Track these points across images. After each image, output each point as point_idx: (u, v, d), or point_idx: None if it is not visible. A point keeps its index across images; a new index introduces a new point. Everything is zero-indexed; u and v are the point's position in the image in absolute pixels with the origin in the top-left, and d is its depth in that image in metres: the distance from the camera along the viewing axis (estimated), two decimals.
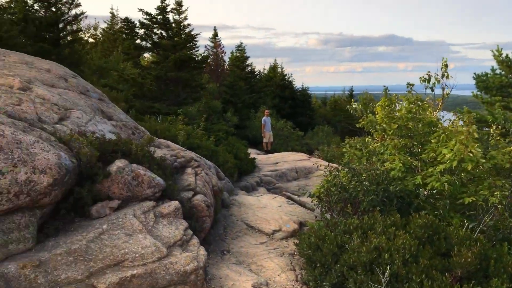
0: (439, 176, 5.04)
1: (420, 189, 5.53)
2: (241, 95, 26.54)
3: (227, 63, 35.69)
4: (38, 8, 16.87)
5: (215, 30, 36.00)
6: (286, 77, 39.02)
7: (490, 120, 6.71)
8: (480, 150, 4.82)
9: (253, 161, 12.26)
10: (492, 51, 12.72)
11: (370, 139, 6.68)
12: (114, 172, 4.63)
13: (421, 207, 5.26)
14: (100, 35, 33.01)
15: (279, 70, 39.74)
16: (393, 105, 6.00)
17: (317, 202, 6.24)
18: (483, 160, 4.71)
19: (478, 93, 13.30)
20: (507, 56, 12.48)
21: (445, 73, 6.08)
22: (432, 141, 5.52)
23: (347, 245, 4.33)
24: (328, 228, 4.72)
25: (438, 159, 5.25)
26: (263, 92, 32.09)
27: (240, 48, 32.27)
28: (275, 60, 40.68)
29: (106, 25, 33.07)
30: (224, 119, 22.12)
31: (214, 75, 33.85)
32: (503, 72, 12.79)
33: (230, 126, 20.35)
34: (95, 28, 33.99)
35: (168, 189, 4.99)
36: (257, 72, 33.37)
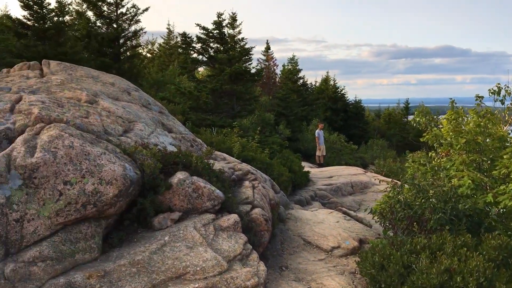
0: None
1: (491, 208, 5.14)
2: (293, 108, 26.42)
3: (279, 76, 35.83)
4: (100, 24, 17.81)
5: (267, 43, 36.40)
6: (339, 89, 38.55)
7: None
8: None
9: (307, 174, 12.07)
10: None
11: (434, 154, 6.33)
12: (175, 184, 4.66)
13: (492, 227, 4.89)
14: (157, 50, 34.24)
15: (331, 82, 39.36)
16: (460, 118, 5.66)
17: (378, 219, 5.97)
18: None
19: None
20: None
21: None
22: (505, 156, 5.13)
23: (414, 266, 4.07)
24: (393, 247, 4.48)
25: (511, 176, 4.87)
26: (315, 105, 31.84)
27: (293, 61, 32.31)
28: (327, 72, 40.36)
29: (163, 40, 34.28)
30: (276, 132, 22.08)
31: (266, 88, 34.05)
32: None
33: (283, 139, 20.27)
34: (153, 44, 35.35)
35: (227, 202, 4.96)
36: (309, 85, 33.19)
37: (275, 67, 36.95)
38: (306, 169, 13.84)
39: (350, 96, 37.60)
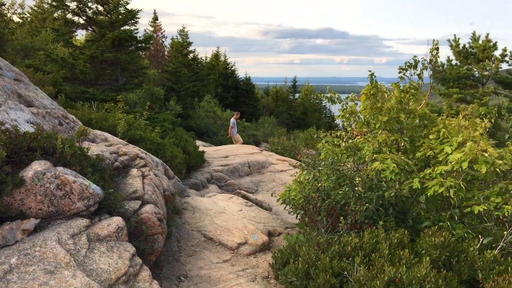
0: (442, 180, 4.19)
1: (421, 195, 4.63)
2: (184, 83, 24.96)
3: (168, 49, 33.73)
4: None
5: (155, 13, 33.91)
6: (229, 65, 37.85)
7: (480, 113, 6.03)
8: (496, 149, 4.04)
9: (202, 155, 11.06)
10: (449, 41, 12.40)
11: (344, 133, 5.74)
12: (29, 179, 3.30)
13: (420, 217, 4.42)
14: (28, 14, 29.75)
15: (222, 58, 38.44)
16: (380, 94, 5.10)
17: (291, 210, 5.24)
18: (500, 162, 3.92)
19: (435, 84, 12.99)
20: (464, 46, 12.20)
21: (435, 57, 5.26)
22: (430, 137, 4.69)
23: (347, 274, 3.34)
24: (319, 248, 3.71)
25: (440, 159, 4.42)
26: (206, 80, 30.66)
27: (183, 33, 30.53)
28: (217, 47, 39.30)
29: (34, 2, 29.85)
30: (167, 108, 20.59)
31: (154, 61, 31.81)
32: (459, 63, 12.53)
33: (174, 116, 18.91)
34: (21, 6, 30.58)
35: (108, 200, 3.73)
36: (200, 59, 31.78)
37: (163, 39, 34.67)
38: (200, 148, 12.82)
39: (240, 73, 37.27)
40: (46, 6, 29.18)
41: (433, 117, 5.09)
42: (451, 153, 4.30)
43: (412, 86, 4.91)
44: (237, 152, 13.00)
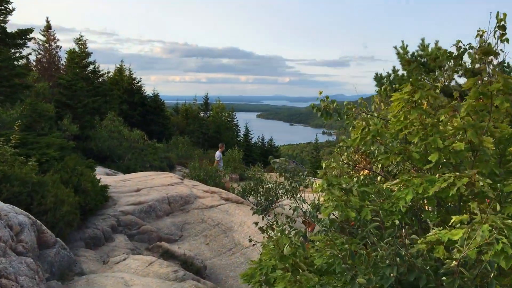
0: None
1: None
2: (82, 98, 21.25)
3: (65, 62, 29.28)
4: None
5: (47, 21, 29.31)
6: (135, 81, 34.45)
7: None
8: None
9: (105, 191, 8.16)
10: (395, 47, 10.98)
11: (353, 172, 3.49)
12: None
13: None
14: None
15: (127, 73, 34.90)
16: (431, 100, 2.93)
17: None
18: None
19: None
20: (413, 54, 10.85)
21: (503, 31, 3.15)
22: None
23: None
24: None
25: None
26: (109, 96, 27.00)
27: (80, 41, 26.60)
28: (121, 62, 35.67)
29: None
30: (59, 128, 16.96)
31: (46, 75, 27.33)
32: (405, 72, 11.16)
33: (69, 138, 15.42)
34: None
35: None
36: (101, 72, 27.98)
37: (57, 50, 30.11)
38: (102, 179, 9.81)
39: (148, 91, 33.87)
40: None
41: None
42: None
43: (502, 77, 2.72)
44: (152, 183, 10.20)
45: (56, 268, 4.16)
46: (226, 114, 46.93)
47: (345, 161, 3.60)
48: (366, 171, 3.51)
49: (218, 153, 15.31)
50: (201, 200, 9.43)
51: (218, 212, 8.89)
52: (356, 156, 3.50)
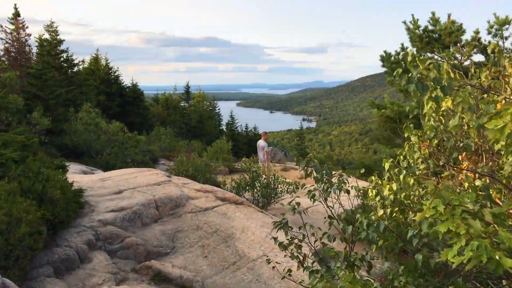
0: None
1: None
2: (54, 88, 19.48)
3: (36, 53, 27.17)
4: None
5: (15, 8, 27.05)
6: (112, 70, 32.54)
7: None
8: None
9: (79, 196, 6.78)
10: (405, 22, 9.78)
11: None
12: None
13: None
14: None
15: (103, 62, 32.93)
16: None
17: None
18: None
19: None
20: (425, 30, 9.68)
21: None
22: None
23: None
24: None
25: None
26: (85, 86, 25.19)
27: (51, 28, 24.64)
28: (97, 50, 33.66)
29: None
30: (29, 123, 15.32)
31: (15, 65, 25.29)
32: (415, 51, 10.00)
33: (40, 133, 13.85)
34: None
35: None
36: (76, 61, 26.07)
37: (28, 38, 27.95)
38: (76, 180, 8.40)
39: (126, 82, 32.06)
40: None
41: None
42: None
43: None
44: (136, 183, 8.80)
45: None
46: (208, 103, 45.57)
47: (433, 159, 2.37)
48: (470, 174, 2.27)
49: (264, 142, 12.29)
50: (194, 202, 8.09)
51: (215, 215, 7.58)
52: (460, 156, 2.26)
